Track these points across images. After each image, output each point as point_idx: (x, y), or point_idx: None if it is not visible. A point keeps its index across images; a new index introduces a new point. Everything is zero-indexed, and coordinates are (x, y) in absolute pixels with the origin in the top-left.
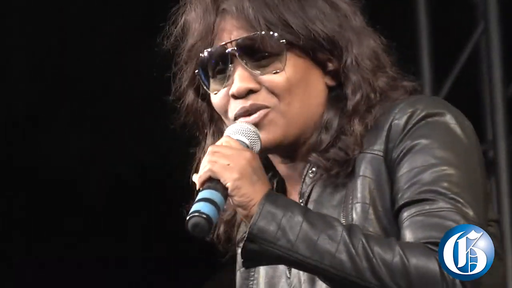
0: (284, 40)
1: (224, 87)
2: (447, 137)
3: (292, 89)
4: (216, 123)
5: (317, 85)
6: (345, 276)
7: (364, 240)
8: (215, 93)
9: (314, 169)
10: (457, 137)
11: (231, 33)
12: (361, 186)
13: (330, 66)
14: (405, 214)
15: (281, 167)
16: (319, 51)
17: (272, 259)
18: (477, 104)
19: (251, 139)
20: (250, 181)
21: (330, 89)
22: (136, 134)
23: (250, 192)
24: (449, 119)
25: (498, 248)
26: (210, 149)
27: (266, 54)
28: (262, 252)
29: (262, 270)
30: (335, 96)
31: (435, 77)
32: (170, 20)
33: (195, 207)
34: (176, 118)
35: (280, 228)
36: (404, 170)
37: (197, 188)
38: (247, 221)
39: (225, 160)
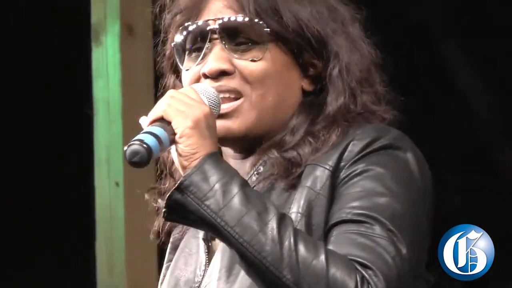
0: (269, 29)
1: (197, 65)
2: (404, 173)
3: (266, 81)
4: None
5: (294, 86)
6: (260, 259)
7: (292, 233)
8: (187, 70)
9: (261, 169)
10: (414, 177)
11: (217, 11)
12: (302, 196)
13: (312, 70)
14: (339, 230)
15: (229, 161)
16: (305, 50)
17: (194, 217)
18: None
19: (211, 103)
20: (201, 134)
21: (304, 93)
22: None
23: (198, 144)
24: (410, 157)
25: None
26: (169, 92)
27: (248, 40)
28: (186, 205)
29: (175, 263)
30: (310, 101)
31: None
32: None
33: (138, 136)
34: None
35: (213, 189)
36: (350, 190)
37: (147, 124)
38: (182, 172)
39: (182, 106)
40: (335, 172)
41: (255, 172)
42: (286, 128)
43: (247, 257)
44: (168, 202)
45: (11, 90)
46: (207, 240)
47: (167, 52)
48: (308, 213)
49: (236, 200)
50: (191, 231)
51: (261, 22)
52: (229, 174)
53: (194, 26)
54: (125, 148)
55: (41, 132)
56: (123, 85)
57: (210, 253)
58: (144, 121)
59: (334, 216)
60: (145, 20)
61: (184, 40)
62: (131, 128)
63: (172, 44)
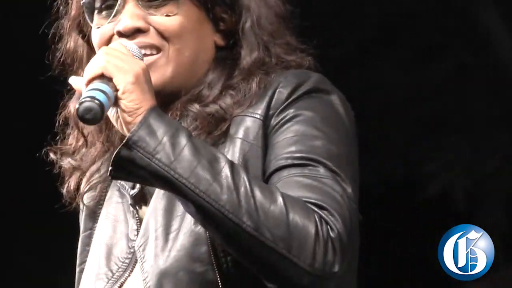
0: None
1: (109, 23)
2: (331, 114)
3: (183, 35)
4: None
5: (207, 41)
6: (218, 207)
7: (246, 179)
8: (98, 27)
9: (182, 124)
10: (340, 116)
11: None
12: (235, 149)
13: (222, 25)
14: (282, 175)
15: None
16: (216, 4)
17: (143, 173)
18: None
19: (137, 56)
20: (142, 89)
21: (217, 49)
22: None
23: (141, 99)
24: (334, 99)
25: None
26: (103, 49)
27: None
28: (136, 160)
29: (101, 231)
30: (223, 56)
31: None
32: None
33: (87, 93)
34: (54, 58)
35: (162, 143)
36: (283, 136)
37: (85, 83)
38: (127, 129)
39: (120, 62)
40: (265, 121)
41: None
42: (202, 83)
43: (204, 207)
44: (115, 159)
45: None
46: (134, 205)
47: (73, 13)
48: (244, 164)
49: (186, 152)
50: (113, 197)
51: None
52: (175, 126)
53: None
54: (77, 106)
55: None
56: None
57: (139, 217)
58: (76, 80)
59: (272, 164)
60: None
61: None
62: None
63: (81, 2)
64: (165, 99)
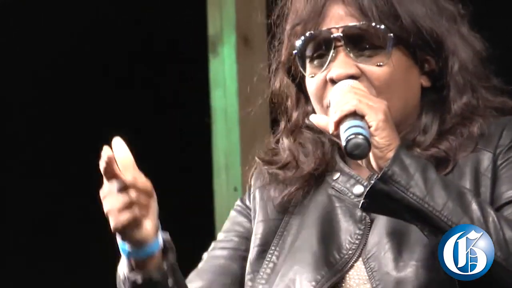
0: (392, 34)
1: (322, 72)
2: None
3: (392, 85)
4: (302, 107)
5: (414, 86)
6: None
7: (492, 212)
8: (312, 77)
9: None
10: None
11: (339, 19)
12: (468, 175)
13: (427, 66)
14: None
15: None
16: (422, 49)
17: (397, 206)
18: None
19: None
20: (391, 126)
21: (423, 90)
22: None
23: (391, 136)
24: None
25: None
26: (348, 86)
27: (372, 45)
28: (391, 194)
29: (308, 229)
30: (431, 99)
31: None
32: None
33: (350, 131)
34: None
35: (414, 178)
36: (509, 173)
37: (336, 120)
38: (379, 163)
39: (370, 100)
40: (495, 156)
41: None
42: (416, 128)
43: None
44: (370, 191)
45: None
46: (363, 211)
47: (282, 58)
48: (476, 192)
49: (437, 186)
50: (323, 199)
51: (383, 28)
52: (423, 162)
53: (317, 34)
54: (344, 143)
55: (165, 140)
56: (240, 95)
57: (365, 224)
58: (319, 118)
59: (504, 195)
60: (260, 31)
61: (305, 48)
62: (247, 136)
63: (294, 51)
64: None
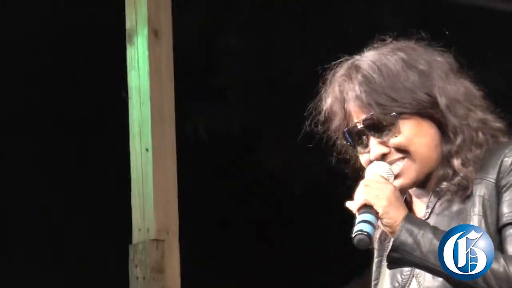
0: (394, 113)
1: (366, 152)
2: None
3: (412, 142)
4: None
5: (430, 131)
6: (453, 277)
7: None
8: (361, 155)
9: (438, 189)
10: None
11: (357, 114)
12: (477, 203)
13: (432, 113)
14: (510, 231)
15: (412, 190)
16: (423, 109)
17: (408, 264)
18: None
19: (387, 174)
20: (394, 207)
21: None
22: None
23: (395, 215)
24: None
25: None
26: (362, 183)
27: (385, 125)
28: (401, 259)
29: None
30: (443, 139)
31: None
32: (312, 110)
33: (358, 227)
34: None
35: (416, 242)
36: (510, 196)
37: (354, 211)
38: (391, 236)
39: (375, 191)
40: (496, 183)
41: (434, 193)
42: (441, 164)
43: (452, 280)
44: (388, 259)
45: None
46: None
47: (339, 148)
48: (484, 215)
49: (433, 245)
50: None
51: (386, 111)
52: (422, 227)
53: (351, 129)
54: (353, 236)
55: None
56: (150, 75)
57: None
58: (351, 205)
59: (504, 217)
60: (167, 25)
61: (349, 138)
62: (156, 108)
63: (345, 142)
64: (420, 185)
